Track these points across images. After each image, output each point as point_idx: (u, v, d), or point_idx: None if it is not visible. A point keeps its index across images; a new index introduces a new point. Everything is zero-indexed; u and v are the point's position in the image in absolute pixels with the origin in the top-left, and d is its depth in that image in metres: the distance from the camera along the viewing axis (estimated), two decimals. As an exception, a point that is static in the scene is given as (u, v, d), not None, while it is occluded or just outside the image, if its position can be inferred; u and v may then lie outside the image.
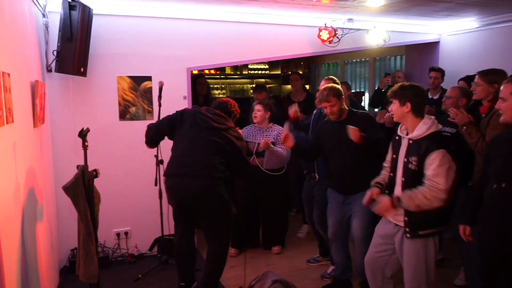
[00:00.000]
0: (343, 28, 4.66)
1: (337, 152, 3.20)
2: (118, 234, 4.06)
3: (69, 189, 2.13)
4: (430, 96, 4.71)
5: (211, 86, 7.36)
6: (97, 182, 3.89)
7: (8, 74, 2.13)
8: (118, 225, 4.07)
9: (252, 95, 5.39)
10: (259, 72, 7.54)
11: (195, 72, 6.94)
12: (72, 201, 2.16)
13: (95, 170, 2.20)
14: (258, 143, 4.05)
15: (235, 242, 4.23)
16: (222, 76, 7.45)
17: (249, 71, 7.44)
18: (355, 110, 3.37)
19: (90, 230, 2.11)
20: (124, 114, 3.99)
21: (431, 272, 2.56)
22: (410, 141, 2.53)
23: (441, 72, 4.73)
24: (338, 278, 3.54)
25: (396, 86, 2.63)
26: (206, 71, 7.10)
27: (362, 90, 6.53)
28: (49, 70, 3.62)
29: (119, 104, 3.96)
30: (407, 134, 2.59)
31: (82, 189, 2.11)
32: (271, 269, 3.79)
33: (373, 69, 6.41)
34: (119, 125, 3.98)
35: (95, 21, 3.66)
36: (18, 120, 2.34)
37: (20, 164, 2.32)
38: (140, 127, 3.82)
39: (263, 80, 7.83)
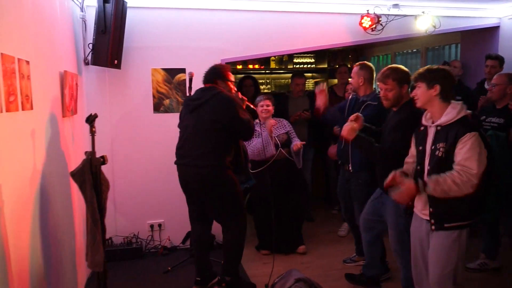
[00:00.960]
0: (388, 15, 4.36)
1: (381, 143, 2.96)
2: (151, 226, 4.10)
3: (76, 175, 2.13)
4: (486, 86, 4.30)
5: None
6: (132, 174, 4.00)
7: (27, 62, 2.17)
8: (152, 217, 4.10)
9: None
10: (305, 66, 7.32)
11: (239, 67, 6.96)
12: (79, 188, 2.16)
13: (102, 157, 2.19)
14: (278, 135, 3.99)
15: (266, 243, 4.08)
16: (267, 71, 7.33)
17: (294, 66, 7.26)
18: (411, 106, 2.75)
19: (96, 218, 2.09)
20: (158, 107, 4.00)
21: (459, 272, 2.34)
22: (438, 128, 2.34)
23: (499, 60, 4.29)
24: (364, 274, 3.35)
25: (421, 69, 2.47)
26: (250, 66, 7.03)
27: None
28: (87, 63, 3.71)
29: (153, 96, 3.99)
30: (433, 123, 2.39)
31: (89, 175, 2.10)
32: (305, 268, 3.66)
33: (425, 60, 5.97)
34: (153, 117, 4.00)
35: (130, 14, 3.71)
36: (40, 108, 2.38)
37: (40, 150, 2.36)
38: (173, 120, 3.80)
39: (309, 74, 7.61)
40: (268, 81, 7.48)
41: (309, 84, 7.50)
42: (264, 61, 7.06)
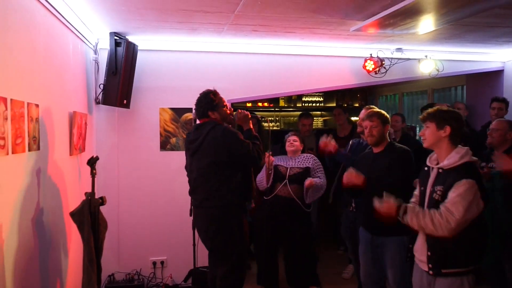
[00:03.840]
0: (391, 58, 4.47)
1: (369, 185, 2.99)
2: (154, 263, 4.11)
3: (76, 215, 2.20)
4: (491, 129, 4.31)
5: (264, 118, 7.38)
6: (137, 210, 4.06)
7: (36, 105, 2.30)
8: (155, 254, 4.12)
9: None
10: (314, 104, 7.44)
11: (249, 104, 7.10)
12: (77, 227, 2.22)
13: (101, 198, 2.26)
14: (290, 167, 3.92)
15: (265, 279, 4.05)
16: (276, 109, 7.46)
17: (303, 104, 7.38)
18: (395, 143, 3.15)
19: (92, 257, 2.14)
20: (164, 145, 4.11)
21: None
22: (440, 170, 2.33)
23: (505, 102, 4.33)
24: None
25: (432, 109, 2.44)
26: (260, 104, 7.17)
27: (415, 124, 6.16)
28: (98, 102, 3.87)
29: (160, 134, 4.10)
30: (437, 164, 2.37)
31: (88, 216, 2.16)
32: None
33: (431, 101, 6.01)
34: (159, 155, 4.11)
35: (141, 56, 3.88)
36: (47, 148, 2.49)
37: (47, 188, 2.45)
38: (179, 158, 3.90)
39: (318, 112, 7.72)
40: (277, 118, 7.60)
41: (318, 122, 7.59)
42: (273, 99, 7.19)
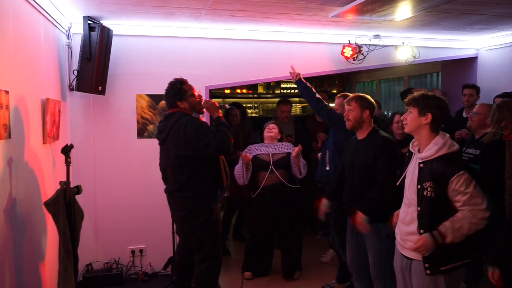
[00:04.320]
0: (369, 45, 4.49)
1: (349, 172, 3.02)
2: (133, 252, 4.07)
3: (50, 205, 2.14)
4: (464, 115, 4.41)
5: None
6: (115, 199, 4.00)
7: (6, 92, 2.21)
8: (134, 242, 4.08)
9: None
10: (292, 91, 7.45)
11: (227, 91, 7.05)
12: (52, 218, 2.17)
13: (77, 187, 2.21)
14: (273, 154, 3.97)
15: (250, 265, 4.09)
16: (254, 96, 7.44)
17: (282, 90, 7.38)
18: (379, 131, 3.00)
19: (68, 248, 2.10)
20: (142, 132, 4.04)
21: None
22: (421, 165, 2.28)
23: (476, 88, 4.43)
24: None
25: (417, 93, 2.35)
26: (238, 90, 7.13)
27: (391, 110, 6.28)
28: (72, 89, 3.76)
29: (137, 122, 4.03)
30: (418, 151, 2.33)
31: (63, 205, 2.11)
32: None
33: (408, 87, 6.10)
34: (136, 143, 4.03)
35: (116, 42, 3.78)
36: (19, 136, 2.41)
37: (19, 178, 2.38)
38: (157, 145, 3.84)
39: (297, 98, 7.74)
40: (255, 105, 7.59)
41: (296, 108, 7.62)
42: (251, 86, 7.18)
